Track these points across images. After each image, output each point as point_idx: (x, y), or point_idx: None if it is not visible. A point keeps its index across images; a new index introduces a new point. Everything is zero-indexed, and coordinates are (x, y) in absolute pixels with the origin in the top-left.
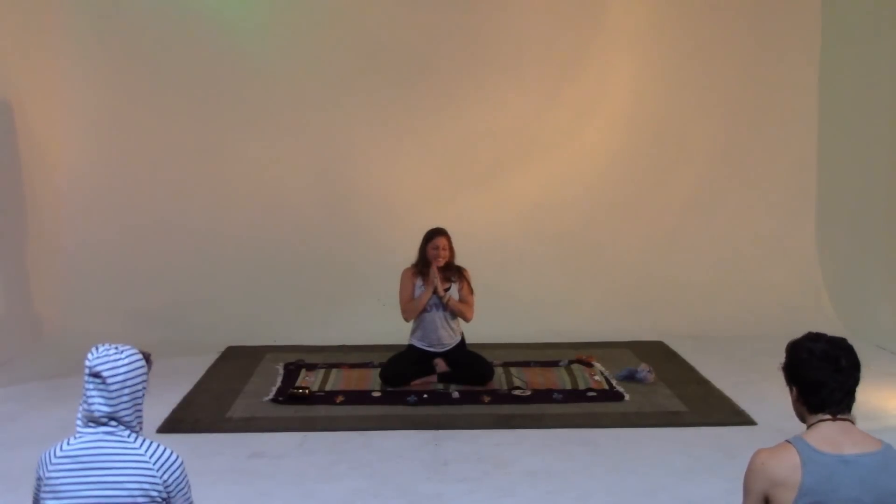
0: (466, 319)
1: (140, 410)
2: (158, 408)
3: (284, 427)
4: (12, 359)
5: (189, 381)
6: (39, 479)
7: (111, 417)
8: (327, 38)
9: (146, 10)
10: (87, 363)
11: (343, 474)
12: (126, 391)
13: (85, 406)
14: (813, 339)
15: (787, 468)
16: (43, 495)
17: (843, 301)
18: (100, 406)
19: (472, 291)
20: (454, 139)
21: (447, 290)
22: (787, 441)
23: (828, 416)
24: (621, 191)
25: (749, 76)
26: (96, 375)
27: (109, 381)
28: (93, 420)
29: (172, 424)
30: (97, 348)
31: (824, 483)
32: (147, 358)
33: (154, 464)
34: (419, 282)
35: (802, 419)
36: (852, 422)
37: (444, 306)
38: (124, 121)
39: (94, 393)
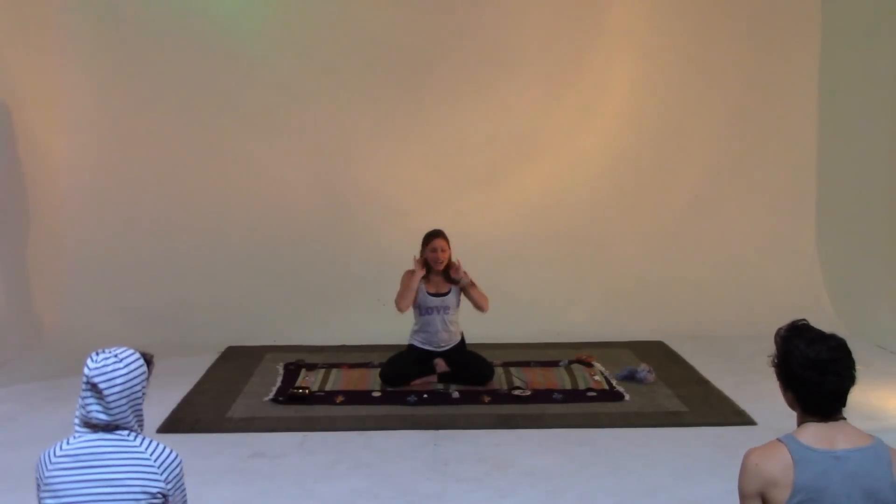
0: (484, 310)
1: (140, 413)
2: (158, 408)
3: (284, 427)
4: (12, 359)
5: (189, 381)
6: (39, 478)
7: (109, 425)
8: (327, 38)
9: (146, 10)
10: (86, 372)
11: (343, 474)
12: (124, 401)
13: (83, 412)
14: (808, 343)
15: (780, 467)
16: (42, 495)
17: (843, 301)
18: (98, 414)
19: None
20: (454, 139)
21: (448, 291)
22: (779, 440)
23: (821, 419)
24: (621, 191)
25: (749, 77)
26: (93, 387)
27: (107, 392)
28: (91, 426)
29: (172, 424)
30: (97, 355)
31: (817, 480)
32: (149, 360)
33: (155, 461)
34: (422, 285)
35: (794, 410)
36: (845, 419)
37: (464, 292)
38: (124, 121)
39: (91, 401)
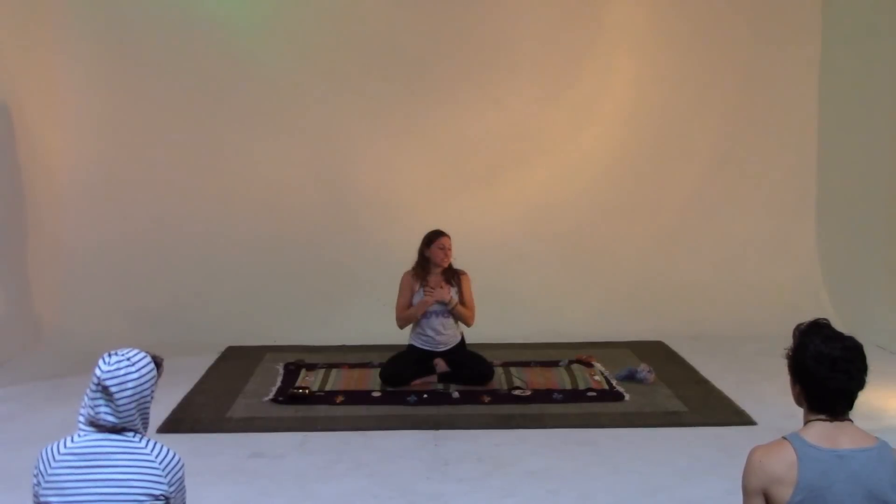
0: (468, 325)
1: (147, 415)
2: (158, 408)
3: (284, 427)
4: (12, 359)
5: (189, 381)
6: (40, 474)
7: (116, 427)
8: (327, 38)
9: (146, 10)
10: (98, 373)
11: (343, 474)
12: (133, 404)
13: (91, 412)
14: (824, 339)
15: (784, 465)
16: (45, 492)
17: (843, 301)
18: (106, 416)
19: (472, 297)
20: (454, 139)
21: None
22: (784, 438)
23: (827, 417)
24: (621, 191)
25: (749, 76)
26: (105, 389)
27: (117, 396)
28: (97, 427)
29: (172, 424)
30: (109, 357)
31: (820, 478)
32: (159, 363)
33: (160, 464)
34: (418, 287)
35: (800, 406)
36: (850, 421)
37: (449, 312)
38: (124, 121)
39: (100, 402)
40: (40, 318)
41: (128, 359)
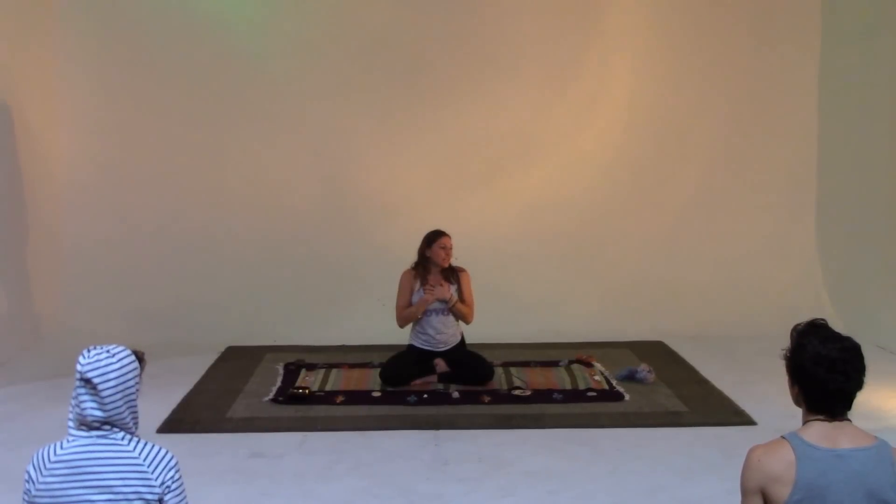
0: (467, 322)
1: (135, 410)
2: (158, 408)
3: (284, 427)
4: (12, 359)
5: (189, 381)
6: (31, 480)
7: (105, 422)
8: (327, 38)
9: (146, 9)
10: (78, 368)
11: (343, 474)
12: (118, 396)
13: (77, 410)
14: (822, 340)
15: (783, 464)
16: (37, 499)
17: (843, 301)
18: (93, 411)
19: (471, 294)
20: (454, 139)
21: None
22: (783, 437)
23: (826, 417)
24: (621, 191)
25: (749, 76)
26: (87, 382)
27: (101, 387)
28: (86, 424)
29: (172, 424)
30: (88, 352)
31: (819, 477)
32: (140, 357)
33: (148, 465)
34: (418, 286)
35: (799, 406)
36: (849, 420)
37: (448, 310)
38: (124, 121)
39: (86, 398)
40: (40, 317)
41: (107, 351)
